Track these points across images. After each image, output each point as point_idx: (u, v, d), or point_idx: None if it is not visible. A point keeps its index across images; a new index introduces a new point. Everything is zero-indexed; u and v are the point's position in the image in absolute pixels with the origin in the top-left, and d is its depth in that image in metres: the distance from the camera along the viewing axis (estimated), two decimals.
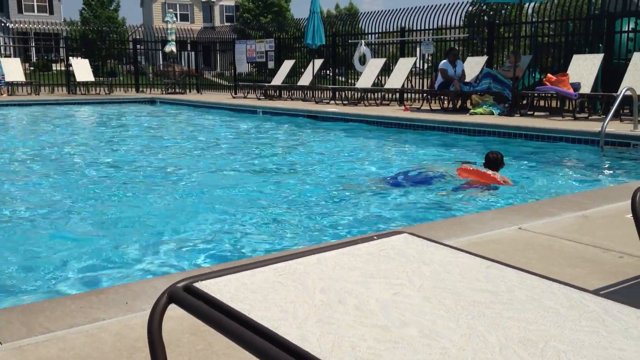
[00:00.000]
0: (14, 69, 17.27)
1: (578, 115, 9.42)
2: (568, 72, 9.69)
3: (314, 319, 0.86)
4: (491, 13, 14.86)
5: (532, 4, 12.08)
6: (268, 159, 7.24)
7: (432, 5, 14.27)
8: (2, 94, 16.67)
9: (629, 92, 7.13)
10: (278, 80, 16.10)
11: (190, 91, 20.33)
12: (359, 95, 13.50)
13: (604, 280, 2.28)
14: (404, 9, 14.96)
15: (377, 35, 15.92)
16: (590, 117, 9.37)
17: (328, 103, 13.76)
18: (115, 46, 24.27)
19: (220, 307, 0.89)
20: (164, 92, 19.61)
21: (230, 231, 3.84)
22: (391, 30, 15.39)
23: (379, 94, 13.63)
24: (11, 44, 26.23)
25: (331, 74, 17.44)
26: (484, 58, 12.12)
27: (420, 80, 14.86)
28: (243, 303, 0.90)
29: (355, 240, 1.22)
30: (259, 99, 15.75)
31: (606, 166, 6.38)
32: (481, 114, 9.91)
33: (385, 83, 13.53)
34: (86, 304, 1.99)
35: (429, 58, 14.78)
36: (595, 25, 11.22)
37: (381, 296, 0.95)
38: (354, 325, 0.85)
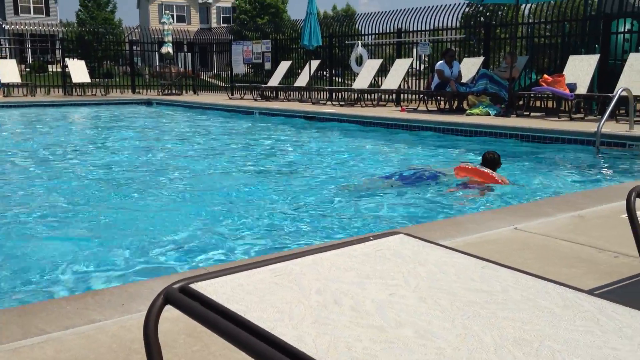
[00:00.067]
0: (10, 70, 17.24)
1: (574, 116, 9.45)
2: (564, 72, 9.72)
3: (309, 319, 0.87)
4: (487, 14, 14.89)
5: (528, 5, 12.11)
6: (264, 160, 7.24)
7: (428, 7, 14.31)
8: None
9: (624, 93, 7.15)
10: (275, 81, 16.10)
11: (186, 92, 20.31)
12: (356, 96, 13.51)
13: (600, 280, 2.29)
14: (400, 10, 14.99)
15: (373, 36, 15.94)
16: (586, 118, 9.39)
17: (325, 104, 13.77)
18: (112, 47, 24.24)
19: (216, 308, 0.89)
20: (160, 93, 19.59)
21: (226, 232, 3.84)
22: (388, 31, 15.42)
23: (376, 94, 13.64)
24: (7, 45, 26.15)
25: (328, 75, 17.45)
26: (481, 59, 12.15)
27: (417, 81, 14.88)
28: (239, 304, 0.90)
29: (351, 241, 1.22)
30: (256, 100, 15.75)
31: (602, 166, 6.40)
32: (477, 114, 9.93)
33: (381, 84, 13.54)
34: (82, 306, 1.99)
35: (426, 59, 14.81)
36: (592, 26, 11.25)
37: (377, 297, 0.96)
38: (349, 325, 0.85)
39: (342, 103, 13.65)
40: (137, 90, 20.49)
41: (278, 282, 1.00)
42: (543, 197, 4.74)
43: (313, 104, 14.05)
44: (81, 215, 4.38)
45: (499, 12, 14.23)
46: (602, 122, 6.85)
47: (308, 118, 11.69)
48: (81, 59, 19.79)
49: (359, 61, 15.04)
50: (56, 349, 1.70)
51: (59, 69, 20.75)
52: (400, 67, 13.13)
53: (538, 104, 11.01)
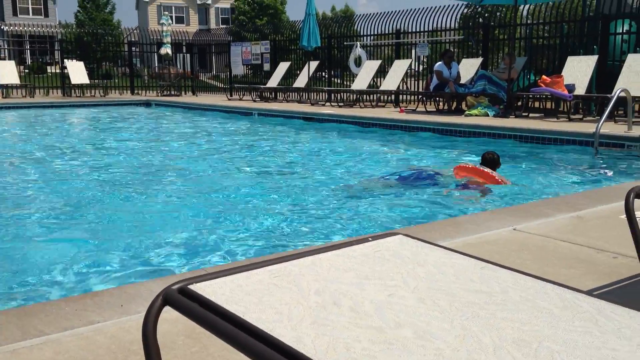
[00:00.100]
0: (9, 72, 17.22)
1: (573, 117, 9.46)
2: (563, 73, 9.73)
3: (308, 320, 0.86)
4: (486, 15, 14.92)
5: (527, 6, 12.12)
6: (263, 161, 7.24)
7: (427, 8, 14.31)
8: None
9: (623, 94, 7.16)
10: (273, 82, 16.10)
11: (185, 93, 20.31)
12: (355, 97, 13.51)
13: (598, 281, 2.29)
14: (399, 11, 15.00)
15: (372, 37, 15.94)
16: (584, 119, 9.40)
17: (323, 105, 13.77)
18: (111, 48, 24.23)
19: (215, 309, 0.89)
20: (159, 94, 19.58)
21: (224, 233, 3.84)
22: (386, 32, 15.43)
23: (375, 95, 13.65)
24: (6, 46, 26.17)
25: (327, 76, 17.45)
26: (479, 60, 12.16)
27: (416, 82, 14.90)
28: (238, 305, 0.90)
29: (350, 241, 1.22)
30: (255, 101, 15.75)
31: (600, 167, 6.40)
32: (476, 115, 9.94)
33: (380, 85, 13.55)
34: (81, 307, 1.99)
35: (424, 60, 14.82)
36: (590, 27, 11.27)
37: (376, 297, 0.96)
38: (348, 326, 0.85)
39: (341, 104, 13.66)
40: (136, 92, 20.48)
41: (277, 283, 1.00)
42: (542, 197, 4.74)
43: (312, 105, 14.05)
44: (79, 216, 4.38)
45: (498, 13, 14.25)
46: (600, 123, 6.86)
47: (307, 119, 11.69)
48: (80, 60, 19.80)
49: (358, 62, 15.05)
50: (55, 351, 1.70)
51: (57, 70, 20.75)
52: (399, 68, 13.13)
53: (537, 104, 11.02)
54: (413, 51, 14.65)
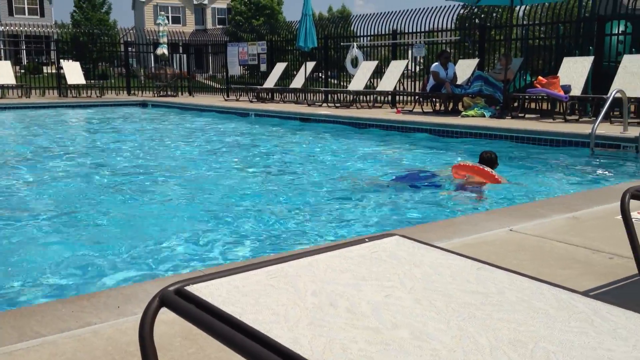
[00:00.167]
0: (5, 72, 17.17)
1: (569, 118, 9.48)
2: (559, 74, 9.75)
3: (305, 321, 0.87)
4: (482, 16, 14.94)
5: (523, 7, 12.15)
6: (260, 162, 7.23)
7: (423, 8, 14.33)
8: None
9: (618, 94, 7.18)
10: (270, 82, 16.10)
11: (182, 94, 20.28)
12: (351, 98, 13.52)
13: (595, 282, 2.30)
14: (395, 11, 15.01)
15: (369, 38, 15.95)
16: (580, 119, 9.43)
17: (320, 105, 13.77)
18: (107, 49, 24.18)
19: (212, 310, 0.89)
20: (155, 94, 19.55)
21: (221, 234, 3.84)
22: (383, 32, 15.44)
23: (371, 96, 13.66)
24: (1, 46, 26.07)
25: (323, 76, 17.46)
26: (476, 61, 12.18)
27: (412, 83, 14.91)
28: (235, 306, 0.90)
29: (346, 242, 1.22)
30: (251, 101, 15.74)
31: (596, 168, 6.42)
32: (473, 116, 9.95)
33: (377, 85, 13.56)
34: (77, 308, 1.98)
35: (421, 61, 14.84)
36: (586, 28, 11.30)
37: (372, 298, 0.96)
38: (345, 327, 0.85)
39: (338, 105, 13.67)
40: (132, 92, 20.45)
41: (274, 284, 1.00)
42: (538, 198, 4.75)
43: (309, 105, 14.05)
44: (76, 217, 4.37)
45: (494, 14, 14.28)
46: (596, 124, 6.88)
47: (304, 120, 11.69)
48: (76, 60, 19.74)
49: (355, 63, 15.05)
50: (51, 352, 1.69)
51: (53, 71, 20.68)
52: (396, 68, 13.15)
53: (533, 105, 11.04)
54: (410, 52, 14.67)
